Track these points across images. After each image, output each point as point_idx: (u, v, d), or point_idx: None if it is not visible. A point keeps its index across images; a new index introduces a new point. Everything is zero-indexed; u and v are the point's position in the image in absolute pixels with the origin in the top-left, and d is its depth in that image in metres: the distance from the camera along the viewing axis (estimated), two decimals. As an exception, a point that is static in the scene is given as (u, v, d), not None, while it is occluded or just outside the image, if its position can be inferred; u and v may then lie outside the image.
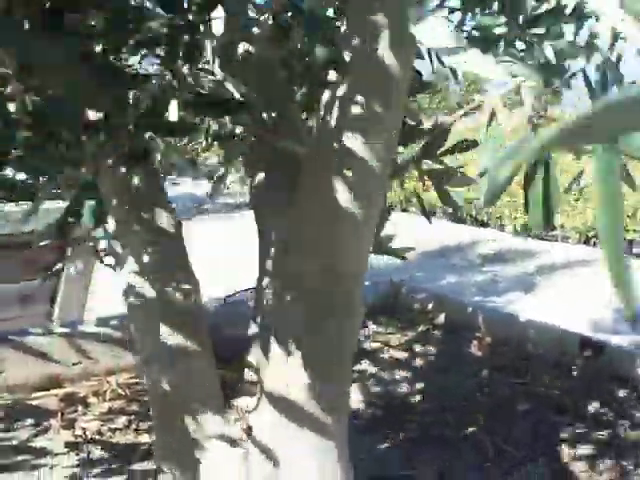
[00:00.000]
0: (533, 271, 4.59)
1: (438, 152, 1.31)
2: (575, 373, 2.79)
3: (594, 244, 5.44)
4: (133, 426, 2.38)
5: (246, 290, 3.03)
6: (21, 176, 1.25)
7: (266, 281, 1.29)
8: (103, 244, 2.04)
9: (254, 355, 1.35)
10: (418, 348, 3.15)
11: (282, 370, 1.21)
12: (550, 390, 2.65)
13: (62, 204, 1.36)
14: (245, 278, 2.52)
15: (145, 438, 2.29)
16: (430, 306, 3.52)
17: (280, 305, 1.20)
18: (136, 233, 1.15)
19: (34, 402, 2.50)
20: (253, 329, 1.38)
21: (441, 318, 3.46)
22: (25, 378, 2.55)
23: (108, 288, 2.52)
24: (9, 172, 1.22)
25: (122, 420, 2.42)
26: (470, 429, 2.35)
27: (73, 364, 2.69)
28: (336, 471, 1.42)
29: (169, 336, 1.15)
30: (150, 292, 1.15)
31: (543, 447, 2.24)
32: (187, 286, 1.19)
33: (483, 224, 6.41)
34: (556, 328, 3.03)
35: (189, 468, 1.28)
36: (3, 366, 2.62)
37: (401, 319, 3.47)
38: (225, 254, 4.72)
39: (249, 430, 1.28)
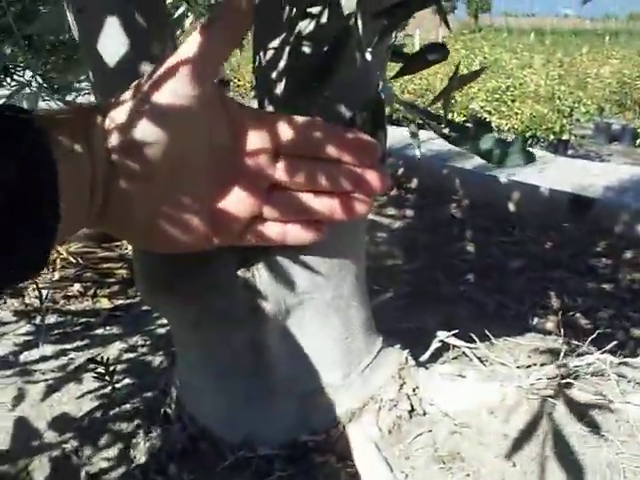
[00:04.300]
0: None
1: None
2: (566, 230, 2.65)
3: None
4: (90, 293, 2.10)
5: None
6: None
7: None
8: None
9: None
10: (392, 211, 2.94)
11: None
12: (541, 247, 2.49)
13: None
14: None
15: (105, 304, 2.03)
16: (401, 171, 3.29)
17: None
18: None
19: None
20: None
21: (414, 183, 3.24)
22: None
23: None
24: None
25: (77, 288, 2.14)
26: (464, 287, 2.18)
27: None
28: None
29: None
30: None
31: (543, 300, 2.10)
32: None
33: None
34: (542, 188, 2.85)
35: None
36: None
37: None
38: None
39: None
